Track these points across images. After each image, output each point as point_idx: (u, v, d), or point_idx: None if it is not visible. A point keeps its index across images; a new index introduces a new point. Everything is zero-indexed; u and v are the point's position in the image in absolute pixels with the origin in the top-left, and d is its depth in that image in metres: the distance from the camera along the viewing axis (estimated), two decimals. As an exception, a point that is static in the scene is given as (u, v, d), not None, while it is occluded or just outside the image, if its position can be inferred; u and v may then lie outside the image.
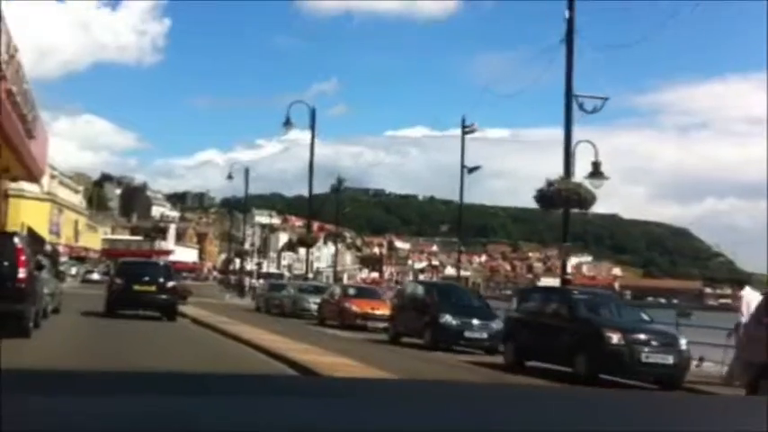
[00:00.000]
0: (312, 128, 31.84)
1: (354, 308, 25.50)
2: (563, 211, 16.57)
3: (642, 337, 13.14)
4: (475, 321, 18.58)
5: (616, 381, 12.91)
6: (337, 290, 29.10)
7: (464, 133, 27.54)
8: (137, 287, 22.23)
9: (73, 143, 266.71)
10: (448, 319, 18.44)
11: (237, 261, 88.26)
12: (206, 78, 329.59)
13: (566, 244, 16.87)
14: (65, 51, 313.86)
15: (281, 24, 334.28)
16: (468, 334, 18.36)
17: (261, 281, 61.79)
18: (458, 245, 33.41)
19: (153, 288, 22.41)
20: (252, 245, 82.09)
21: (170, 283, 22.94)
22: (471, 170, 27.44)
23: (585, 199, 16.50)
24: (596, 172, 16.84)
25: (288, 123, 30.38)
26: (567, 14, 16.46)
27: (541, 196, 16.81)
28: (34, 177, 28.62)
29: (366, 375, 9.58)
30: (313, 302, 29.41)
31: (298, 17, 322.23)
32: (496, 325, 18.28)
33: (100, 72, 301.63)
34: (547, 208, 16.90)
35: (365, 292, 29.24)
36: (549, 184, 16.68)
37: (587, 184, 16.64)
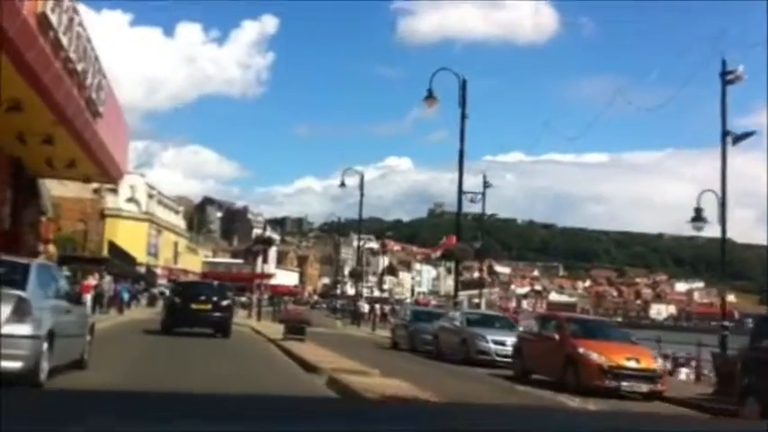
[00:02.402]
0: (462, 105, 25.84)
1: (595, 357, 15.56)
2: None
3: None
4: None
5: None
6: (550, 325, 18.01)
7: (725, 82, 18.34)
8: (193, 306, 23.50)
9: (179, 172, 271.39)
10: None
11: (344, 284, 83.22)
12: (306, 108, 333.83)
13: None
14: (173, 85, 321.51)
15: (380, 54, 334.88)
16: None
17: (376, 305, 56.20)
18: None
19: (208, 306, 23.64)
20: (367, 264, 76.82)
21: (224, 302, 24.31)
22: (738, 138, 18.71)
23: None
24: None
25: (430, 97, 25.00)
26: None
27: None
28: (111, 177, 22.60)
29: None
30: (492, 342, 21.10)
31: (397, 47, 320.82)
32: None
33: (206, 104, 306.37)
34: None
35: (600, 330, 17.95)
36: None
37: None
